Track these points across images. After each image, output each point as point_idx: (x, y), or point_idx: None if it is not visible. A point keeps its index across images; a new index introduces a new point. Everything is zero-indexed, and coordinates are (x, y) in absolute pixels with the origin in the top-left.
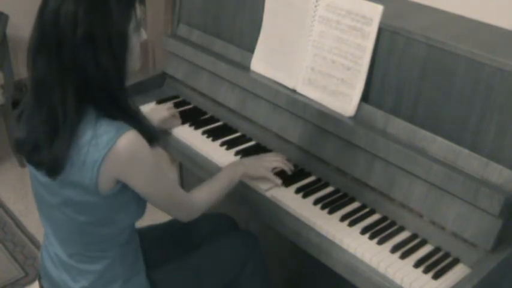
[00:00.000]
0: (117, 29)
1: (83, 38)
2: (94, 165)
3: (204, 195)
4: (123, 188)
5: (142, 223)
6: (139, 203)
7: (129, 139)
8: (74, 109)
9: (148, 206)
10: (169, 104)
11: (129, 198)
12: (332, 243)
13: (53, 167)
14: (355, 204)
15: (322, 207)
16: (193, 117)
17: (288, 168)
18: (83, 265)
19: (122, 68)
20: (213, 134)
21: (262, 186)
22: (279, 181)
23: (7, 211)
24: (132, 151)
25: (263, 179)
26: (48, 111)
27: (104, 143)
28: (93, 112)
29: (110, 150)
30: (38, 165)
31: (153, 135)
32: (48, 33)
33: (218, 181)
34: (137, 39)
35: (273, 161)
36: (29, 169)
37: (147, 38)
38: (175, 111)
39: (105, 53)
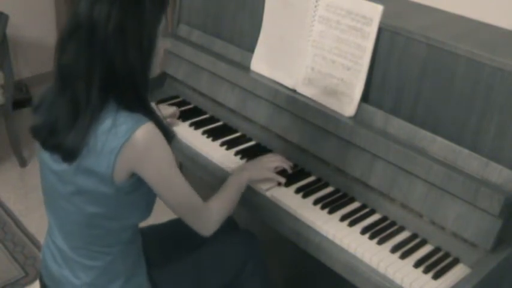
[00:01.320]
0: (148, 26)
1: (115, 33)
2: (112, 153)
3: (220, 205)
4: (136, 183)
5: (143, 223)
6: (149, 203)
7: (148, 130)
8: (97, 98)
9: None
10: (168, 109)
11: (140, 196)
12: (332, 243)
13: (70, 151)
14: (355, 204)
15: (322, 207)
16: (193, 117)
17: (288, 166)
18: (85, 260)
19: (147, 66)
20: (213, 134)
21: (262, 187)
22: (283, 179)
23: (7, 211)
24: (150, 142)
25: (266, 179)
26: (71, 96)
27: (123, 131)
28: (114, 103)
29: (128, 139)
30: (54, 148)
31: (169, 132)
32: (82, 26)
33: (228, 191)
34: (162, 42)
35: (273, 161)
36: (40, 158)
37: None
38: (173, 111)
39: (134, 49)
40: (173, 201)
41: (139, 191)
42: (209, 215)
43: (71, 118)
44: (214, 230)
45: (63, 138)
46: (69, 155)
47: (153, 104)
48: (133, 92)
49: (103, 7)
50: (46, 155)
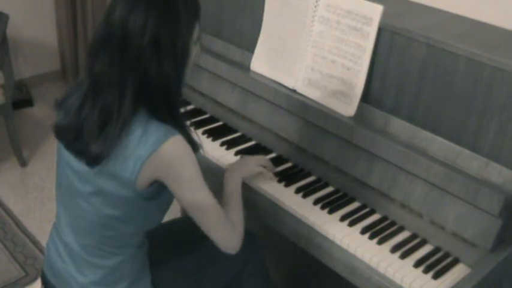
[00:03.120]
0: (182, 38)
1: (150, 44)
2: (138, 160)
3: (236, 216)
4: (155, 191)
5: None
6: (163, 211)
7: (177, 143)
8: (129, 108)
9: None
10: None
11: (157, 203)
12: (332, 243)
13: (96, 157)
14: (355, 204)
15: (322, 207)
16: (193, 117)
17: (270, 167)
18: (95, 259)
19: (181, 76)
20: (213, 134)
21: (259, 185)
22: (271, 173)
23: (7, 211)
24: (178, 154)
25: (258, 175)
26: (102, 105)
27: (153, 141)
28: (145, 112)
29: (157, 149)
30: (79, 153)
31: (196, 144)
32: (115, 35)
33: (233, 198)
34: (195, 51)
35: (257, 159)
36: (60, 154)
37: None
38: None
39: (168, 61)
40: (197, 213)
41: (158, 199)
42: (231, 227)
43: (100, 126)
44: (240, 245)
45: (90, 144)
46: (95, 160)
47: None
48: (166, 103)
49: (138, 17)
50: (67, 153)
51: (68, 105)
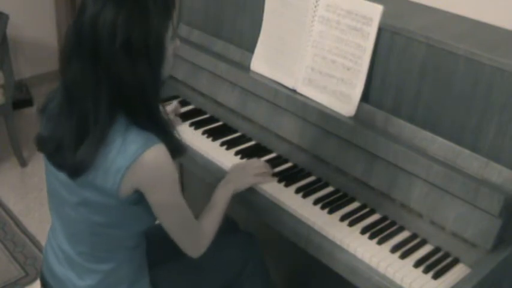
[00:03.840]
0: (155, 37)
1: (121, 47)
2: (118, 172)
3: (209, 225)
4: (141, 196)
5: None
6: (152, 212)
7: (157, 153)
8: (106, 116)
9: None
10: (174, 105)
11: (144, 206)
12: (332, 243)
13: (75, 170)
14: (355, 204)
15: (322, 207)
16: (193, 117)
17: (270, 174)
18: (90, 264)
19: (158, 77)
20: (213, 134)
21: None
22: (273, 180)
23: (7, 211)
24: (157, 166)
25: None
26: (78, 115)
27: (132, 152)
28: (123, 120)
29: (136, 160)
30: (59, 166)
31: (180, 148)
32: (85, 39)
33: (217, 208)
34: (172, 48)
35: (256, 167)
36: (46, 164)
37: (179, 45)
38: (174, 107)
39: (142, 62)
40: (169, 222)
41: (144, 203)
42: (201, 233)
43: (78, 136)
44: (203, 251)
45: (70, 157)
46: (75, 173)
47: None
48: (144, 106)
49: (107, 19)
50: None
51: (49, 111)
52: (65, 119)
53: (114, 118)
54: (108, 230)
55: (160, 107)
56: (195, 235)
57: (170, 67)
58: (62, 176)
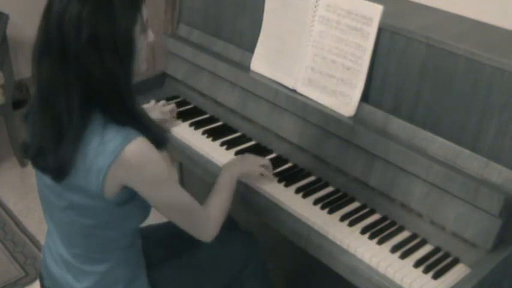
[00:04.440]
0: (122, 30)
1: (88, 41)
2: (100, 172)
3: (217, 209)
4: (128, 194)
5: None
6: (143, 208)
7: (137, 146)
8: (79, 115)
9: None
10: (166, 106)
11: (133, 205)
12: (332, 243)
13: (57, 173)
14: (355, 204)
15: (322, 207)
16: (193, 117)
17: (270, 172)
18: (86, 266)
19: (128, 70)
20: (213, 134)
21: (258, 184)
22: (273, 179)
23: (7, 211)
24: (141, 158)
25: (258, 175)
26: (53, 116)
27: (111, 150)
28: (100, 118)
29: (116, 157)
30: (43, 169)
31: (161, 139)
32: (53, 37)
33: (223, 192)
34: (144, 40)
35: (260, 160)
36: (35, 170)
37: (154, 38)
38: (171, 107)
39: (110, 56)
40: (169, 211)
41: (132, 201)
42: (208, 220)
43: (55, 138)
44: (215, 234)
45: (50, 160)
46: (57, 176)
47: (152, 103)
48: (118, 101)
49: (72, 15)
50: None
51: (30, 118)
52: (41, 121)
53: (89, 117)
54: (99, 231)
55: (136, 105)
56: (203, 222)
57: (143, 60)
58: (48, 181)
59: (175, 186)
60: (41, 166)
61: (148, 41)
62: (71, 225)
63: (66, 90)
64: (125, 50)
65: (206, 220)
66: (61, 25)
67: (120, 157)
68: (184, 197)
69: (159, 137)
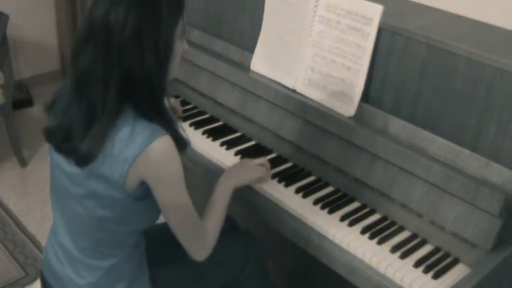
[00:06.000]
0: (165, 32)
1: (132, 38)
2: (126, 161)
3: (213, 225)
4: (146, 190)
5: None
6: (155, 209)
7: (164, 143)
8: (113, 104)
9: None
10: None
11: (149, 202)
12: (332, 243)
13: (84, 157)
14: (355, 204)
15: (322, 207)
16: (193, 117)
17: (268, 168)
18: (92, 260)
19: (165, 71)
20: (213, 134)
21: (260, 185)
22: (269, 173)
23: (7, 211)
24: (164, 156)
25: (257, 180)
26: (87, 102)
27: (139, 141)
28: (131, 111)
29: (144, 150)
30: (68, 153)
31: (184, 142)
32: (97, 31)
33: (218, 206)
34: (181, 45)
35: (257, 163)
36: (52, 158)
37: (187, 48)
38: (179, 107)
39: (150, 54)
40: (174, 220)
41: (149, 198)
42: (206, 237)
43: (86, 124)
44: (209, 252)
45: (78, 143)
46: (84, 160)
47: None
48: (151, 99)
49: (119, 12)
50: (59, 156)
51: (56, 107)
52: (74, 108)
53: (122, 108)
54: (111, 225)
55: (166, 103)
56: (200, 235)
57: (177, 65)
58: (69, 168)
59: (185, 192)
60: (67, 150)
61: (184, 48)
62: (84, 217)
63: (104, 79)
64: (164, 50)
65: (203, 238)
66: (107, 21)
67: (146, 150)
68: (190, 206)
69: (181, 139)
